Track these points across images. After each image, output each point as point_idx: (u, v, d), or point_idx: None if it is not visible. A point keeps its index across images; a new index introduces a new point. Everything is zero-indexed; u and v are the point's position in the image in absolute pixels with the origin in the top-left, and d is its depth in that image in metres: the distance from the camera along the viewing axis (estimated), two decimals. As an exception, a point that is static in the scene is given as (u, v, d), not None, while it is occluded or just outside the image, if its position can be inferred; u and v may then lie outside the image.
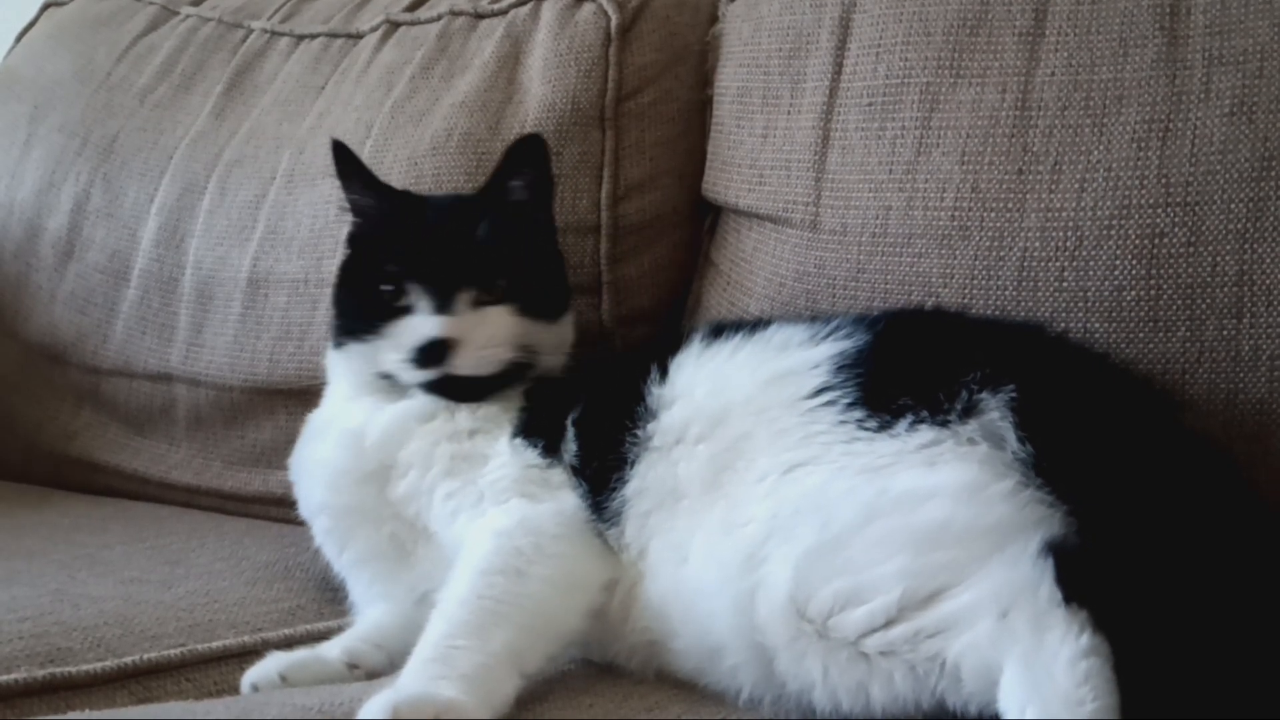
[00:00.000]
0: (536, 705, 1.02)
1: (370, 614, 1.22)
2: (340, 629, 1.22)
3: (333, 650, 1.16)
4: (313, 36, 1.79)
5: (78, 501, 1.72)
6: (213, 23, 1.89)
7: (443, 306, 1.20)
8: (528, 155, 1.27)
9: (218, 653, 1.18)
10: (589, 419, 1.16)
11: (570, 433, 1.16)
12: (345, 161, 1.29)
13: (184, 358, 1.68)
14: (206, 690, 1.15)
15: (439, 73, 1.61)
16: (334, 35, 1.77)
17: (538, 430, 1.18)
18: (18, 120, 1.93)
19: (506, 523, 1.11)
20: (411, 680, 0.97)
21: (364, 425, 1.23)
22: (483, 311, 1.22)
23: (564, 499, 1.13)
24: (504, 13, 1.60)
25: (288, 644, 1.18)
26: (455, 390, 1.22)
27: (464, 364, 1.20)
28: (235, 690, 1.13)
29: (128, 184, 1.79)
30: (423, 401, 1.23)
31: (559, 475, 1.15)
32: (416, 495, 1.19)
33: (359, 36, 1.75)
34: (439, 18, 1.66)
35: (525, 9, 1.59)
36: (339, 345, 1.29)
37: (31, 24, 2.08)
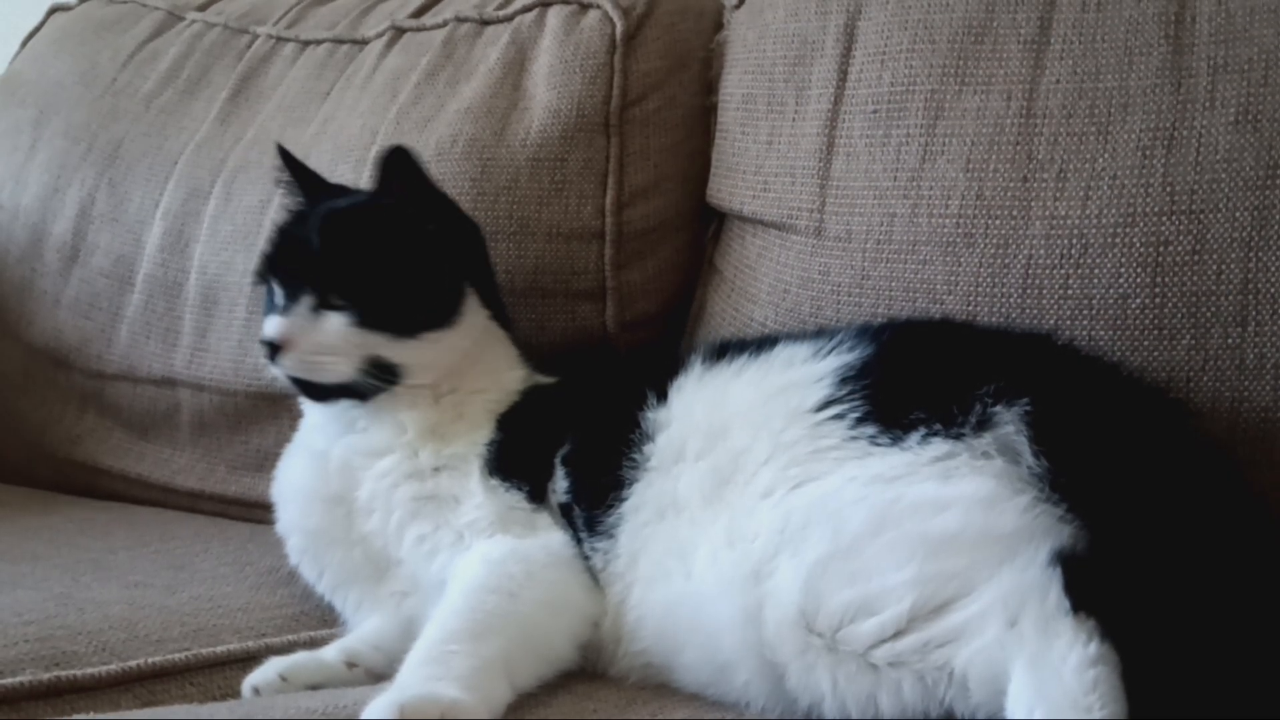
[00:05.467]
0: (540, 709, 1.02)
1: (366, 622, 1.22)
2: (342, 635, 1.22)
3: (331, 652, 1.16)
4: (318, 42, 1.79)
5: (82, 506, 1.72)
6: (218, 28, 1.89)
7: (286, 307, 1.21)
8: (395, 168, 1.22)
9: (222, 657, 1.18)
10: (581, 456, 1.16)
11: (560, 471, 1.16)
12: (287, 161, 1.33)
13: (188, 362, 1.68)
14: (211, 694, 1.15)
15: (444, 79, 1.61)
16: (339, 41, 1.78)
17: (518, 470, 1.17)
18: (22, 125, 1.94)
19: (497, 553, 1.11)
20: (410, 681, 0.97)
21: (329, 449, 1.24)
22: (321, 317, 1.20)
23: (551, 538, 1.13)
24: (509, 19, 1.61)
25: (291, 649, 1.18)
26: (306, 390, 1.22)
27: (289, 366, 1.20)
28: (239, 695, 1.13)
29: (132, 189, 1.79)
30: (377, 435, 1.22)
31: (545, 518, 1.15)
32: (383, 534, 1.19)
33: (364, 42, 1.75)
34: (444, 24, 1.66)
35: (530, 15, 1.59)
36: None
37: (37, 28, 2.08)
